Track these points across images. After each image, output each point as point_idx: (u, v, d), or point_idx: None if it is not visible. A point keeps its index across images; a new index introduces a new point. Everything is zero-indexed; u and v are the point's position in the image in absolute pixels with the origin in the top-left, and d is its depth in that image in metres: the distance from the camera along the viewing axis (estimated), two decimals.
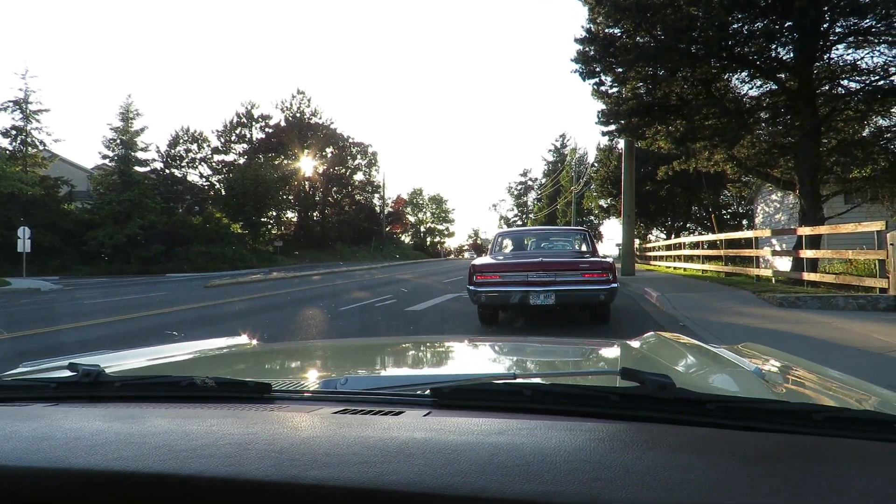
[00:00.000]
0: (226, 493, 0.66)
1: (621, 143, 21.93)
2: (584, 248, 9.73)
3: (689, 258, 21.32)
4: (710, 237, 19.65)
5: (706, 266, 18.83)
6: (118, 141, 34.85)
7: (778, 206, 23.32)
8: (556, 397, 0.97)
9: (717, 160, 17.19)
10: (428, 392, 1.04)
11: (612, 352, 1.94)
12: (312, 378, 1.54)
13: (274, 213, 48.11)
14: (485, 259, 8.85)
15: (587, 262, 8.14)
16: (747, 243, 17.00)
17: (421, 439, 0.78)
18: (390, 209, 68.22)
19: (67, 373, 1.20)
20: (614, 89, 15.62)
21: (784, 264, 14.99)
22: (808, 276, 11.92)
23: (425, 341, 2.83)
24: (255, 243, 41.20)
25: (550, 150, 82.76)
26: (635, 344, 1.91)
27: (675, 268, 22.73)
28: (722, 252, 17.67)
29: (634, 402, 0.90)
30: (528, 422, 0.86)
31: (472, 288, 7.97)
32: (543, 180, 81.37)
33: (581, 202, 51.90)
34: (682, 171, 19.76)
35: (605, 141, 36.95)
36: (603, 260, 8.42)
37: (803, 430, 0.83)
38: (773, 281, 13.38)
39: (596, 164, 41.07)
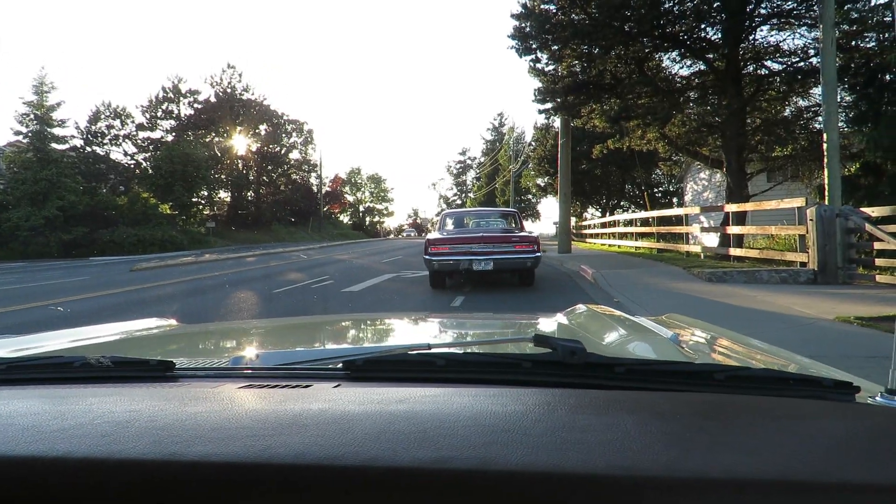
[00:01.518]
0: (98, 473, 0.62)
1: (558, 122, 22.14)
2: (514, 225, 11.76)
3: (624, 235, 21.85)
4: (643, 214, 20.15)
5: (640, 243, 19.35)
6: (32, 116, 32.70)
7: (706, 184, 24.18)
8: (468, 366, 0.97)
9: (649, 139, 17.62)
10: (340, 365, 1.00)
11: (535, 324, 1.97)
12: (223, 356, 1.48)
13: (205, 193, 46.32)
14: (437, 234, 10.77)
15: (518, 237, 10.06)
16: (678, 220, 17.54)
17: (316, 410, 0.75)
18: (328, 189, 66.96)
19: None
20: (550, 67, 15.71)
21: (712, 240, 15.52)
22: (734, 251, 12.38)
23: (348, 318, 2.75)
24: (187, 224, 39.56)
25: (489, 129, 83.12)
26: (562, 317, 1.94)
27: (610, 245, 23.28)
28: (654, 229, 18.18)
29: (546, 367, 0.91)
30: (434, 389, 0.84)
31: (427, 257, 9.75)
32: (482, 159, 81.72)
33: (519, 181, 52.41)
34: (616, 149, 20.16)
35: (542, 120, 37.32)
36: (530, 235, 10.28)
37: (705, 389, 0.84)
38: (702, 257, 13.85)
39: (533, 143, 41.49)
